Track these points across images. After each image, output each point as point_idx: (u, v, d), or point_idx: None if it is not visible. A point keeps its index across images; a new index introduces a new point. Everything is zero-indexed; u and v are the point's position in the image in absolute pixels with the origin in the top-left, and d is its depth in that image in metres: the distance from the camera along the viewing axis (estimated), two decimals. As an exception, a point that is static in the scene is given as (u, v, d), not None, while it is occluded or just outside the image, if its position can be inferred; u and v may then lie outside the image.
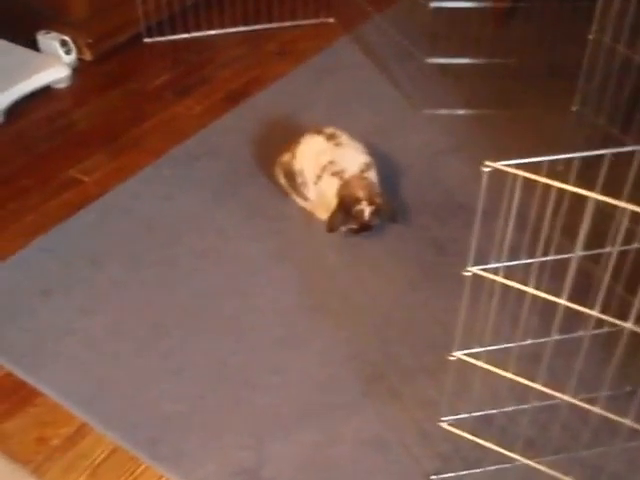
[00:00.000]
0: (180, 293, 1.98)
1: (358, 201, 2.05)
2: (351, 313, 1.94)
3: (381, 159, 2.24)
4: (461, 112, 2.56)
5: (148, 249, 2.09)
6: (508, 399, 1.53)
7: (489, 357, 1.39)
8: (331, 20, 2.99)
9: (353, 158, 2.13)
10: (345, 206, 2.06)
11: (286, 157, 2.19)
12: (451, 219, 2.20)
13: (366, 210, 2.05)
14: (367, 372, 1.80)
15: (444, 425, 1.47)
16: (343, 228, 2.09)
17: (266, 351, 1.85)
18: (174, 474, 1.61)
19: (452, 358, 1.36)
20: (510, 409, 1.52)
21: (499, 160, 1.12)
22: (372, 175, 2.13)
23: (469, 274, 1.24)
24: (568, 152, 1.14)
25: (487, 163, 1.11)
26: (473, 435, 1.49)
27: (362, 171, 2.10)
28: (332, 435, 1.68)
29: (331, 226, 2.08)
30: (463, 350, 1.36)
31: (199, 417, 1.71)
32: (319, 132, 2.17)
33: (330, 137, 2.15)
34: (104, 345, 1.85)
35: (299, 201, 2.20)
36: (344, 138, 2.16)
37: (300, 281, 2.01)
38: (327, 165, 2.11)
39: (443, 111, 2.57)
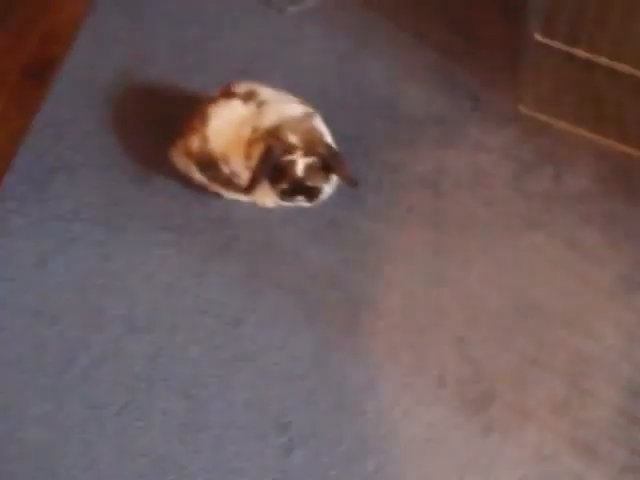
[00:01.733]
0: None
1: (290, 149, 1.45)
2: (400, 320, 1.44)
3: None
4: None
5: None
6: None
7: None
8: None
9: (284, 112, 1.51)
10: (271, 156, 1.45)
11: (194, 143, 1.52)
12: (421, 137, 1.68)
13: (299, 162, 1.45)
14: (466, 395, 1.33)
15: None
16: (275, 192, 1.50)
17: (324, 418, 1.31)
18: None
19: None
20: None
21: None
22: (316, 124, 1.53)
23: None
24: None
25: None
26: None
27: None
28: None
29: (251, 183, 1.47)
30: None
31: None
32: (229, 95, 1.52)
33: (247, 97, 1.51)
34: None
35: (230, 195, 1.58)
36: (266, 92, 1.53)
37: (302, 309, 1.46)
38: (251, 136, 1.49)
39: (310, 1, 1.94)
